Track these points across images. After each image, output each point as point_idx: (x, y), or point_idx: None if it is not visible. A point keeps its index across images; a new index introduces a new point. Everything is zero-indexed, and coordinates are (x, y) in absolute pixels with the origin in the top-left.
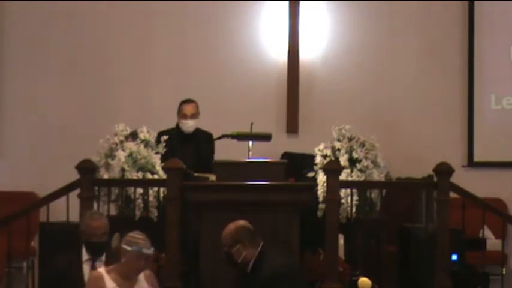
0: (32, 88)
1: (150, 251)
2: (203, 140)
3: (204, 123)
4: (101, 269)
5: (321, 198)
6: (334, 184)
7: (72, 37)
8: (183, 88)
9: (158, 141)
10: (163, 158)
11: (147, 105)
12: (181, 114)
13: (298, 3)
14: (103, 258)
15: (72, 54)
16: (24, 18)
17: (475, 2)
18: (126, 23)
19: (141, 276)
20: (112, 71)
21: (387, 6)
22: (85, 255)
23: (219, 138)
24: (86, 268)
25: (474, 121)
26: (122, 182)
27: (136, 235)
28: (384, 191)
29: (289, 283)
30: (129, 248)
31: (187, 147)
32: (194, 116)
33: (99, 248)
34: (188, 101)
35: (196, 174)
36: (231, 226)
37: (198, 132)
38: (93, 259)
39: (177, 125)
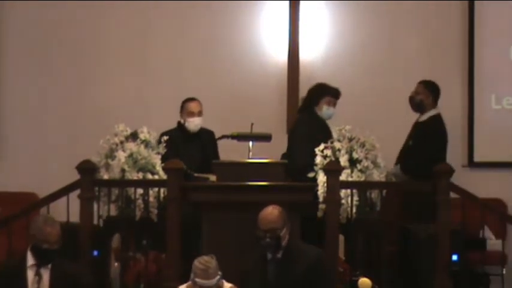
0: (32, 89)
1: (208, 282)
2: (207, 139)
3: (204, 123)
4: (183, 286)
5: (321, 199)
6: (334, 184)
7: (72, 38)
8: (183, 88)
9: (160, 141)
10: (166, 159)
11: (147, 106)
12: (188, 112)
13: (299, 4)
14: (49, 266)
15: (72, 55)
16: (25, 19)
17: (475, 2)
18: (126, 24)
19: None
20: (111, 72)
21: (387, 6)
22: (30, 260)
23: (219, 138)
24: (30, 274)
25: (474, 121)
26: (122, 183)
27: (199, 263)
28: (384, 191)
29: (324, 267)
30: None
31: (192, 147)
32: (200, 113)
33: (50, 256)
34: (193, 99)
35: (196, 175)
36: (273, 210)
37: (202, 131)
38: (39, 265)
39: (179, 125)
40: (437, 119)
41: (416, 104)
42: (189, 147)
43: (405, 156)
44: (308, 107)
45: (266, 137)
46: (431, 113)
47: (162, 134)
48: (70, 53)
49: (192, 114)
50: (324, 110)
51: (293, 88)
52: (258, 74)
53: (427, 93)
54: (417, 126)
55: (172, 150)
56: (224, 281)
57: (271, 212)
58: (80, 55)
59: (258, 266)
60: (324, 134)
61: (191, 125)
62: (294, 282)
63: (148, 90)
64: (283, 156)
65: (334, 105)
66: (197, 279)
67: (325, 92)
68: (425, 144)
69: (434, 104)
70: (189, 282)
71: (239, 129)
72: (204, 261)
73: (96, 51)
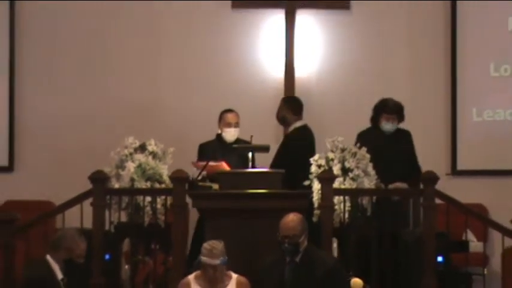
0: (48, 100)
1: (211, 261)
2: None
3: (207, 137)
4: (190, 276)
5: (316, 205)
6: (328, 192)
7: (86, 49)
8: (183, 104)
9: (200, 153)
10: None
11: (153, 119)
12: (225, 123)
13: (294, 26)
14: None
15: (86, 66)
16: (38, 29)
17: (458, 21)
18: (129, 41)
19: (233, 280)
20: (123, 84)
21: (377, 26)
22: (59, 273)
23: None
24: None
25: (457, 132)
26: (132, 191)
27: (206, 245)
28: (374, 197)
29: (342, 275)
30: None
31: (231, 157)
32: (237, 124)
33: (80, 270)
34: (230, 110)
35: (200, 184)
36: (295, 217)
37: (238, 141)
38: (68, 279)
39: (217, 136)
40: (301, 129)
41: (281, 120)
42: (228, 157)
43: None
44: (374, 120)
45: (264, 148)
46: (297, 124)
47: (201, 145)
48: (84, 64)
49: (229, 125)
50: (383, 125)
51: None
52: (257, 91)
53: (286, 108)
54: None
55: (204, 160)
56: (232, 272)
57: (292, 219)
58: (93, 66)
59: (275, 267)
60: (386, 144)
61: (228, 135)
62: (310, 286)
63: (153, 105)
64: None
65: (394, 120)
66: (203, 258)
67: (381, 110)
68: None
69: (298, 117)
70: (197, 272)
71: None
72: (212, 243)
73: (109, 61)
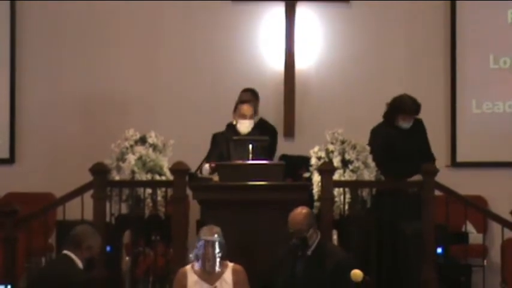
0: (48, 93)
1: (212, 238)
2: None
3: (207, 129)
4: (187, 266)
5: (316, 197)
6: (328, 184)
7: (84, 48)
8: (184, 97)
9: (213, 142)
10: (208, 158)
11: (154, 111)
12: (240, 114)
13: (294, 19)
14: None
15: (84, 64)
16: (38, 23)
17: (457, 13)
18: (129, 34)
19: (229, 269)
20: (124, 78)
21: (376, 19)
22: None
23: None
24: None
25: (457, 124)
26: (132, 183)
27: (205, 227)
28: (374, 189)
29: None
30: (197, 241)
31: (244, 147)
32: (252, 116)
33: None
34: (246, 101)
35: (200, 176)
36: (301, 211)
37: (254, 132)
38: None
39: (229, 125)
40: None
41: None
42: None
43: None
44: (388, 116)
45: (264, 141)
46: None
47: (215, 135)
48: (84, 57)
49: (244, 116)
50: (400, 123)
51: (289, 96)
52: (257, 83)
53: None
54: None
55: (216, 150)
56: (229, 262)
57: (299, 213)
58: (94, 60)
59: (287, 259)
60: (399, 141)
61: (242, 126)
62: (321, 280)
63: (154, 98)
64: (281, 158)
65: (410, 118)
66: (203, 237)
67: (399, 110)
68: None
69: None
70: (193, 263)
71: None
72: (208, 225)
73: (110, 54)
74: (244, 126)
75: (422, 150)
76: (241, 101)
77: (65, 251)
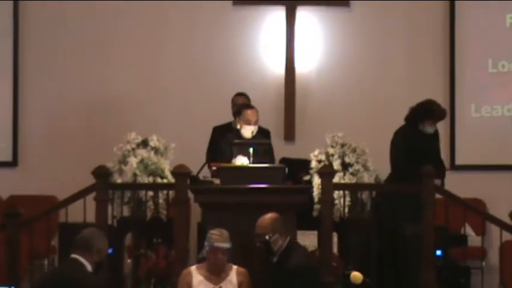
0: (51, 97)
1: (222, 244)
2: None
3: (208, 132)
4: (192, 267)
5: (316, 200)
6: (328, 186)
7: (86, 51)
8: (185, 100)
9: (213, 136)
10: (220, 151)
11: (156, 115)
12: (244, 120)
13: (294, 23)
14: None
15: (87, 68)
16: (40, 23)
17: (456, 17)
18: (132, 37)
19: (233, 271)
20: (121, 84)
21: (375, 22)
22: None
23: None
24: None
25: (456, 128)
26: (134, 186)
27: (213, 231)
28: (374, 192)
29: (312, 276)
30: (206, 244)
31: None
32: (256, 122)
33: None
34: (251, 107)
35: (201, 178)
36: (268, 216)
37: (256, 136)
38: None
39: (230, 126)
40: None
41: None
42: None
43: None
44: (412, 120)
45: (265, 144)
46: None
47: (215, 128)
48: (87, 61)
49: (248, 122)
50: (426, 128)
51: (290, 99)
52: (258, 87)
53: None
54: None
55: (213, 145)
56: (233, 265)
57: (265, 218)
58: (96, 63)
59: (263, 267)
60: (422, 144)
61: (246, 132)
62: (280, 286)
63: (155, 100)
64: (282, 161)
65: (435, 125)
66: (215, 244)
67: (428, 116)
68: None
69: None
70: (198, 264)
71: None
72: (218, 229)
73: (112, 57)
74: (249, 131)
75: (437, 155)
76: (246, 106)
77: (74, 255)
